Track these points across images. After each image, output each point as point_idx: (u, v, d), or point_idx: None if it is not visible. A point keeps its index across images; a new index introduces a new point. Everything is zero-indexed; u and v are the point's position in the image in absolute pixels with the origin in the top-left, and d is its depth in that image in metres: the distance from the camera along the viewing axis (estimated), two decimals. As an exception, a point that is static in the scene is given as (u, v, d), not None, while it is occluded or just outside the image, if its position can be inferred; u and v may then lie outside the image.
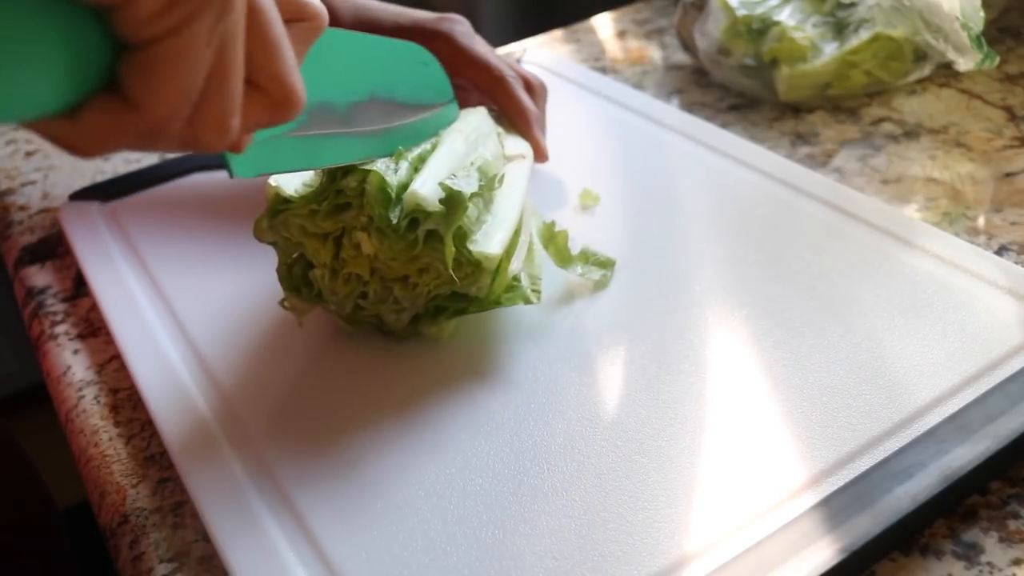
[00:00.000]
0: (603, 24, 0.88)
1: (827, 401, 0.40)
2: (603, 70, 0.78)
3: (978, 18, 0.60)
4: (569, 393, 0.42)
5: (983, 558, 0.35)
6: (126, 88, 0.25)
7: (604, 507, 0.36)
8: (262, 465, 0.39)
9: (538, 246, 0.48)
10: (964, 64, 0.62)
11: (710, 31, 0.69)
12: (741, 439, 0.38)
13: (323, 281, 0.44)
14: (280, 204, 0.43)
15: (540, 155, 0.55)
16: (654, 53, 0.81)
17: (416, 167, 0.43)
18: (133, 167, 0.69)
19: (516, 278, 0.44)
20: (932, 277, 0.47)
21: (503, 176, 0.46)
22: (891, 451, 0.37)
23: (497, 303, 0.43)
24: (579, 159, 0.62)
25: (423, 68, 0.49)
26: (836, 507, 0.35)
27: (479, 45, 0.56)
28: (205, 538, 0.38)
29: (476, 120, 0.51)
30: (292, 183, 0.43)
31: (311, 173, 0.44)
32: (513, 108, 0.55)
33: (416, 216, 0.41)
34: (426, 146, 0.46)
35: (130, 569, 0.38)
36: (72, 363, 0.49)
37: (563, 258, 0.49)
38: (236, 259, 0.53)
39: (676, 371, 0.42)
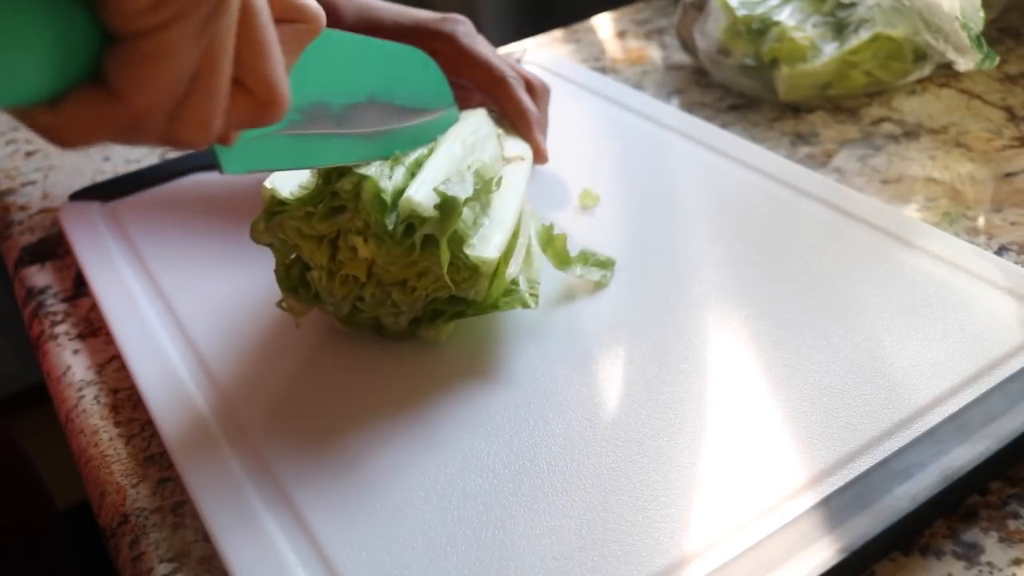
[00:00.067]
0: (603, 24, 0.88)
1: (827, 401, 0.40)
2: (603, 70, 0.78)
3: (978, 18, 0.60)
4: (569, 393, 0.42)
5: (983, 558, 0.35)
6: (110, 79, 0.25)
7: (604, 507, 0.36)
8: (262, 465, 0.39)
9: (537, 249, 0.48)
10: (964, 64, 0.62)
11: (710, 31, 0.69)
12: (741, 439, 0.38)
13: (320, 283, 0.44)
14: (276, 206, 0.43)
15: (540, 157, 0.55)
16: (654, 53, 0.81)
17: (413, 172, 0.43)
18: (133, 167, 0.69)
19: (514, 282, 0.44)
20: (932, 277, 0.47)
21: (501, 179, 0.45)
22: (891, 451, 0.37)
23: (495, 307, 0.43)
24: (579, 159, 0.62)
25: (423, 72, 0.49)
26: (836, 507, 0.35)
27: (481, 46, 0.56)
28: (205, 538, 0.38)
29: (475, 122, 0.50)
30: (288, 185, 0.43)
31: (307, 175, 0.44)
32: (514, 109, 0.55)
33: (412, 222, 0.41)
34: (423, 150, 0.45)
35: (130, 569, 0.38)
36: (72, 363, 0.49)
37: (562, 261, 0.49)
38: (236, 259, 0.53)
39: (676, 371, 0.42)
